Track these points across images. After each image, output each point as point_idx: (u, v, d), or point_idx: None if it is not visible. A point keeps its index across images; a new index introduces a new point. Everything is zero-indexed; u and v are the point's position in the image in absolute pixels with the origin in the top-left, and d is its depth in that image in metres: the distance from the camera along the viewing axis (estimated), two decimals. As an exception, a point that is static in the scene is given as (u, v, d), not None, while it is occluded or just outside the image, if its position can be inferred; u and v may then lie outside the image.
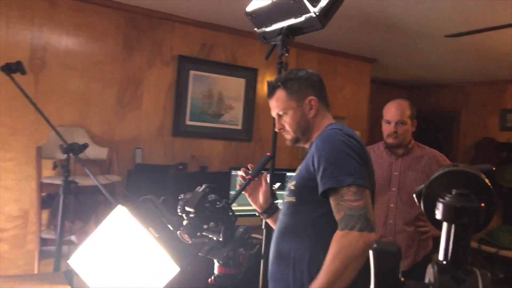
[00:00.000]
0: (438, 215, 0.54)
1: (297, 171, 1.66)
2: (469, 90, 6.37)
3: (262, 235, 1.96)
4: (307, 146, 1.72)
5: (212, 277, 1.62)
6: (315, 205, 1.53)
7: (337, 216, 1.44)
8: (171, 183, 3.40)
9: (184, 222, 1.53)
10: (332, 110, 1.77)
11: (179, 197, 1.56)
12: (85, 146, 2.29)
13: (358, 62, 4.96)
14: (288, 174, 3.75)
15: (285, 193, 1.68)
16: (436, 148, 2.61)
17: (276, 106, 1.69)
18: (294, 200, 1.59)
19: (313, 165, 1.52)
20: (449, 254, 0.55)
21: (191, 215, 1.52)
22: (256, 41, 4.26)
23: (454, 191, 0.54)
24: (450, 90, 6.60)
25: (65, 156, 2.28)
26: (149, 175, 3.45)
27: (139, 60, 3.73)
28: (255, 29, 2.08)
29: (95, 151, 3.31)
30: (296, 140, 1.71)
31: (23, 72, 2.40)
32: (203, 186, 1.54)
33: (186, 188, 3.22)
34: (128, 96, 3.69)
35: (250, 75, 4.22)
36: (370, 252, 0.54)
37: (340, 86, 4.84)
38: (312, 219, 1.54)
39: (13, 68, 2.33)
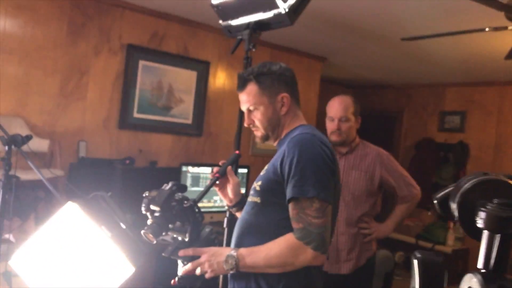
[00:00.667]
0: (480, 224, 0.50)
1: (264, 171, 1.61)
2: (411, 92, 6.61)
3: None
4: (275, 144, 1.67)
5: (176, 278, 1.53)
6: (279, 208, 1.50)
7: (295, 225, 1.43)
8: (118, 178, 3.22)
9: (149, 221, 1.43)
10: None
11: (144, 195, 1.46)
12: (28, 138, 2.09)
13: (309, 60, 4.98)
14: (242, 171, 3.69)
15: (250, 192, 1.62)
16: (379, 146, 2.57)
17: (246, 100, 1.62)
18: (258, 201, 1.55)
19: (281, 168, 1.49)
20: (491, 263, 0.50)
21: (157, 214, 1.43)
22: (209, 33, 4.18)
23: (496, 201, 0.49)
24: (393, 91, 6.82)
25: (5, 148, 2.07)
26: (94, 170, 3.25)
27: (85, 48, 3.51)
28: (220, 21, 2.00)
29: (35, 143, 3.04)
30: (266, 137, 1.65)
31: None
32: (170, 184, 1.45)
33: (134, 185, 3.09)
34: (72, 85, 3.46)
35: (202, 68, 4.10)
36: (415, 262, 0.49)
37: (290, 83, 4.82)
38: (277, 221, 1.51)
39: None
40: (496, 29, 2.66)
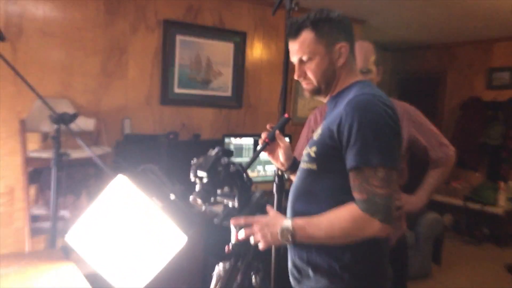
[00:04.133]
0: None
1: (317, 135, 1.46)
2: (454, 50, 6.33)
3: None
4: (325, 100, 1.53)
5: (230, 245, 1.54)
6: (338, 174, 1.38)
7: (358, 196, 1.32)
8: (163, 152, 3.28)
9: (197, 187, 1.44)
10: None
11: (191, 162, 1.47)
12: (75, 115, 2.15)
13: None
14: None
15: (303, 158, 1.51)
16: (421, 110, 2.29)
17: (299, 49, 1.45)
18: (315, 168, 1.43)
19: (338, 133, 1.35)
20: None
21: (204, 180, 1.43)
22: (244, 3, 4.11)
23: None
24: (435, 51, 6.55)
25: (54, 127, 2.14)
26: (140, 145, 3.32)
27: (122, 26, 3.53)
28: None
29: (81, 123, 3.14)
30: (317, 91, 1.50)
31: (1, 38, 2.20)
32: (216, 149, 1.45)
33: (179, 157, 3.13)
34: (113, 64, 3.51)
35: (239, 39, 4.06)
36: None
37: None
38: (337, 188, 1.40)
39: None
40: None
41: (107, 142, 3.34)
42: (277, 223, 1.41)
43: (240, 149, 3.63)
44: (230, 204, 1.50)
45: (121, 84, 3.56)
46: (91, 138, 3.32)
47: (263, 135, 1.67)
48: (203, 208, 1.42)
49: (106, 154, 3.02)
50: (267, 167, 3.73)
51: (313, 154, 1.44)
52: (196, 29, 3.83)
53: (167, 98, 3.74)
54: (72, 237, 1.55)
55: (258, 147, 1.67)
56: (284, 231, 1.38)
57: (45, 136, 2.97)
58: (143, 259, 1.45)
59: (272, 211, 1.48)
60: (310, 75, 1.47)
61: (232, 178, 1.45)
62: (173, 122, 3.78)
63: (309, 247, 1.44)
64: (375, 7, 4.42)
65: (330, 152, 1.38)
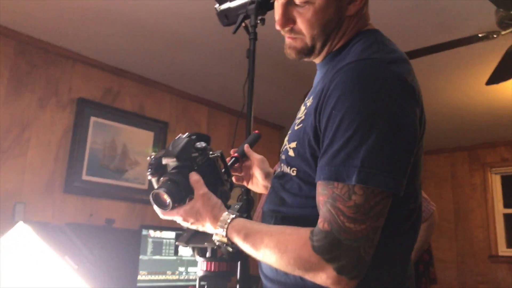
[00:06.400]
0: None
1: (299, 120, 1.00)
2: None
3: None
4: (317, 60, 1.07)
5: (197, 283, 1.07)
6: None
7: (319, 221, 0.85)
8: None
9: (162, 179, 0.99)
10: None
11: (149, 157, 1.04)
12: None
13: (267, 128, 4.83)
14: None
15: (281, 156, 1.07)
16: None
17: None
18: (293, 173, 0.98)
19: (316, 118, 0.90)
20: None
21: (173, 170, 1.00)
22: (166, 94, 3.90)
23: None
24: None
25: None
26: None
27: (29, 98, 3.07)
28: (216, 5, 1.76)
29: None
30: (308, 51, 1.02)
31: None
32: (186, 133, 1.06)
33: (89, 242, 2.52)
34: (10, 140, 2.95)
35: (160, 129, 3.75)
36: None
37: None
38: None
39: None
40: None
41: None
42: (207, 219, 0.97)
43: (159, 244, 3.07)
44: None
45: (18, 163, 2.96)
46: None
47: (232, 151, 1.31)
48: (169, 208, 0.96)
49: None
50: (190, 269, 3.17)
51: (291, 152, 0.98)
52: (114, 112, 3.47)
53: (72, 185, 3.17)
54: None
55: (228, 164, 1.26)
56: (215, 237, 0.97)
57: None
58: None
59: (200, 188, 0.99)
60: (302, 26, 0.99)
61: (214, 169, 1.04)
62: (77, 212, 3.16)
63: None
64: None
65: (313, 148, 0.92)
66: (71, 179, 3.17)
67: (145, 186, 3.59)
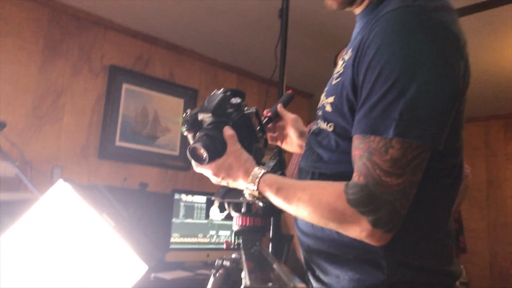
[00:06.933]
0: None
1: (336, 74, 0.99)
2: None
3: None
4: (358, 11, 1.04)
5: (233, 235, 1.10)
6: None
7: (354, 175, 0.84)
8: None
9: (198, 134, 1.01)
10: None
11: (184, 114, 1.06)
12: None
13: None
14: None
15: (317, 112, 1.07)
16: None
17: None
18: (330, 129, 0.96)
19: (353, 71, 0.88)
20: None
21: (209, 125, 1.02)
22: (196, 61, 3.91)
23: None
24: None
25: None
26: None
27: (63, 65, 3.13)
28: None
29: (0, 167, 2.58)
30: None
31: None
32: (221, 89, 1.07)
33: (125, 204, 2.60)
34: (47, 106, 3.03)
35: (190, 96, 3.78)
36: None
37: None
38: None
39: None
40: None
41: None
42: (239, 175, 0.99)
43: (191, 208, 3.14)
44: None
45: (54, 129, 3.05)
46: (13, 185, 2.70)
47: (265, 111, 1.31)
48: (206, 162, 0.98)
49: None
50: (220, 232, 3.24)
51: (328, 107, 0.97)
52: (145, 79, 3.51)
53: (106, 150, 3.25)
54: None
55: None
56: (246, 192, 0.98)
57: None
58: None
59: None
60: None
61: (248, 125, 1.05)
62: (111, 177, 3.25)
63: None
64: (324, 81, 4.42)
65: (351, 103, 0.90)
66: (105, 145, 3.25)
67: (177, 153, 3.65)
